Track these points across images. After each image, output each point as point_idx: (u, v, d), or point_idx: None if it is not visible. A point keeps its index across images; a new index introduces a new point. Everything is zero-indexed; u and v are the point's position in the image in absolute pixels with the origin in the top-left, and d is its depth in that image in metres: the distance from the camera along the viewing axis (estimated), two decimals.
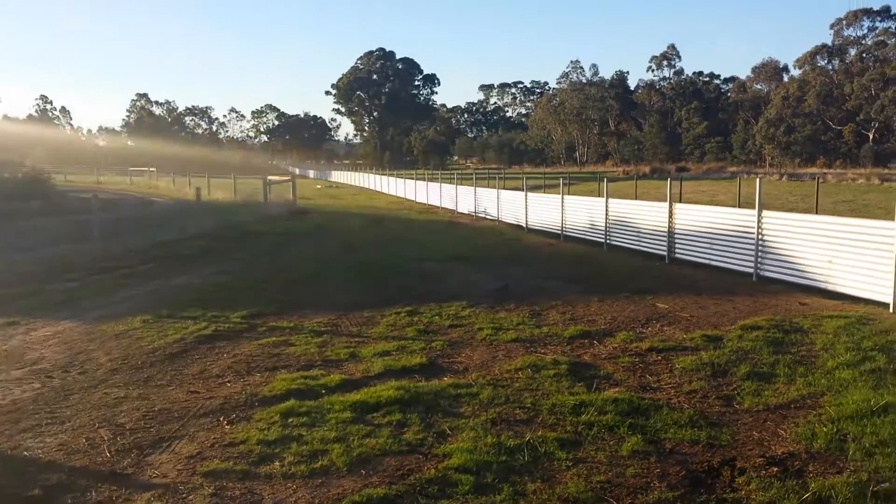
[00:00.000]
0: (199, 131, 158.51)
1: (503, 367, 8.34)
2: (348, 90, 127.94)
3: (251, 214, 28.56)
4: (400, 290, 13.30)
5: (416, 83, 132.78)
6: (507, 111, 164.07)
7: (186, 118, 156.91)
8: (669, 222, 16.73)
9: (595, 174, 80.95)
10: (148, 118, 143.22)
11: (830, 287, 12.28)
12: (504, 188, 29.69)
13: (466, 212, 32.05)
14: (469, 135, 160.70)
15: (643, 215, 17.98)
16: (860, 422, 6.47)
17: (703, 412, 6.91)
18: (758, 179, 13.98)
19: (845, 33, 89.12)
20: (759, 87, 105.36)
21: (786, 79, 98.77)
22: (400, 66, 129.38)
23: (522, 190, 25.78)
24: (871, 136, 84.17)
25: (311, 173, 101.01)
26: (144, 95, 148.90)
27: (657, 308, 11.48)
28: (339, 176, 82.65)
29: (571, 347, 9.26)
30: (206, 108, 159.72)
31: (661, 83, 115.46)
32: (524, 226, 25.17)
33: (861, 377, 7.68)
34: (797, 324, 10.10)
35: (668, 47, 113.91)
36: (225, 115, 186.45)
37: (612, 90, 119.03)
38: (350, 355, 8.91)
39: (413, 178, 44.93)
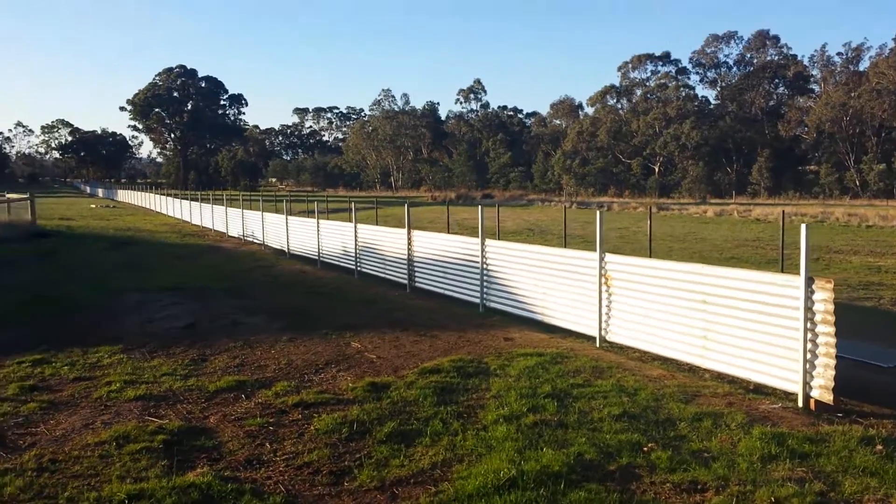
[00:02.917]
0: None
1: (85, 439, 6.38)
2: (145, 107, 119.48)
3: None
4: (57, 330, 11.00)
5: (222, 103, 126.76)
6: (324, 135, 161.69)
7: None
8: (409, 250, 15.53)
9: (406, 199, 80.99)
10: None
11: (547, 319, 11.43)
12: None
13: (236, 235, 29.61)
14: (284, 157, 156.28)
15: (387, 242, 16.69)
16: (479, 502, 5.17)
17: (296, 497, 5.34)
18: (479, 208, 13.05)
19: (631, 75, 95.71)
20: (557, 121, 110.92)
21: (581, 115, 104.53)
22: (203, 85, 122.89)
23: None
24: (656, 170, 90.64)
25: (101, 192, 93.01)
26: None
27: (349, 348, 9.99)
28: (125, 195, 76.46)
29: (206, 406, 7.47)
30: None
31: (470, 115, 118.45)
32: (286, 251, 23.25)
33: (515, 434, 6.50)
34: (485, 365, 8.95)
35: (475, 81, 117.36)
36: (10, 130, 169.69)
37: (424, 119, 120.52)
38: None
39: (188, 200, 41.63)
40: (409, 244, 15.49)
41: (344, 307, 13.46)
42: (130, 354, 9.50)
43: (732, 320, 8.25)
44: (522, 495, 5.23)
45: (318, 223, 20.69)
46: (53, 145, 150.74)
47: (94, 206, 61.28)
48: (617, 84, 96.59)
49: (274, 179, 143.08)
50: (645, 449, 6.26)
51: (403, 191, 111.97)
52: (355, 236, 18.13)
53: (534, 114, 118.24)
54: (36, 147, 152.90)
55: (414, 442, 6.43)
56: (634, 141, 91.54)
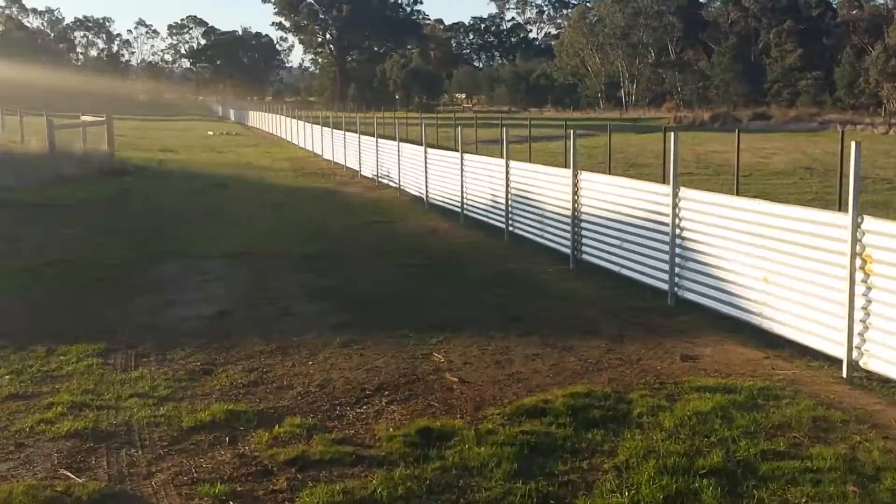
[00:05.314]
0: (94, 52, 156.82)
1: None
2: None
3: (31, 175, 26.18)
4: (38, 314, 11.13)
5: None
6: (531, 30, 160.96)
7: (76, 34, 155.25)
8: (574, 202, 14.07)
9: (637, 122, 78.03)
10: (18, 32, 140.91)
11: (765, 324, 9.65)
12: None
13: (370, 175, 29.60)
14: (475, 63, 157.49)
15: (545, 189, 15.38)
16: None
17: None
18: (672, 134, 11.37)
19: None
20: (881, 1, 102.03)
21: None
22: None
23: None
24: None
25: (232, 114, 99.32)
26: (16, 1, 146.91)
27: (426, 362, 8.96)
28: (257, 119, 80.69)
29: (162, 454, 6.74)
30: (104, 19, 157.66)
31: None
32: (425, 198, 22.64)
33: None
34: (626, 405, 7.51)
35: None
36: (130, 31, 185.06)
37: (674, 3, 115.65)
38: None
39: (319, 126, 42.54)
40: (575, 193, 14.02)
41: (453, 291, 12.61)
42: (109, 358, 9.13)
43: None
44: None
45: (461, 159, 19.71)
46: (183, 51, 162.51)
47: (211, 132, 65.15)
48: None
49: (462, 95, 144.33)
50: None
51: (637, 109, 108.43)
52: (506, 179, 16.94)
53: None
54: (161, 54, 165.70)
55: None
56: None
